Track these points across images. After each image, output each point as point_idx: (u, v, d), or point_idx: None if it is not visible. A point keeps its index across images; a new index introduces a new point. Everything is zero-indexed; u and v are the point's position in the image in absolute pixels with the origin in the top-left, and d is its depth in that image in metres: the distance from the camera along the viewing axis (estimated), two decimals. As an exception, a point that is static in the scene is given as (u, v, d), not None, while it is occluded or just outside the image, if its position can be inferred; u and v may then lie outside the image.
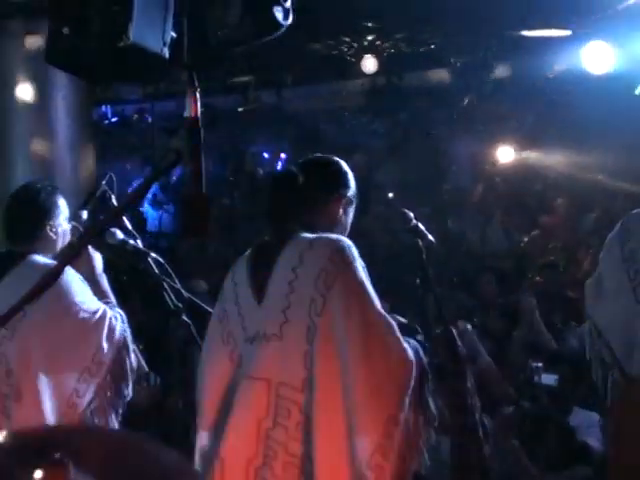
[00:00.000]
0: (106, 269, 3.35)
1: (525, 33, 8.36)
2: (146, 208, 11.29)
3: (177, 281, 3.34)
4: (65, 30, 2.92)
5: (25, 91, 7.40)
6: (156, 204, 11.40)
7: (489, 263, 8.53)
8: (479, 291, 7.28)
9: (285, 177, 2.89)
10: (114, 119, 12.93)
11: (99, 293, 3.24)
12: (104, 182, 3.56)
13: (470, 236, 9.85)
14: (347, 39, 9.01)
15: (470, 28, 8.16)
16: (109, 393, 3.12)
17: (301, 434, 2.42)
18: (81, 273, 3.17)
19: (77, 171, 7.58)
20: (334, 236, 2.56)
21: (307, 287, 2.45)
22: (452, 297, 6.66)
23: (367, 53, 9.37)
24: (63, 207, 3.30)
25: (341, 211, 2.74)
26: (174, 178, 11.57)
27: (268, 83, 10.94)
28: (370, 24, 8.39)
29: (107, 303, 3.23)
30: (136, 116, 12.49)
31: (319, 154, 2.90)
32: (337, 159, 2.88)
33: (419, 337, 2.57)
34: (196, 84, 1.86)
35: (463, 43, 9.14)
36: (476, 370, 4.97)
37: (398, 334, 2.42)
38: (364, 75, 9.88)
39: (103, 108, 12.71)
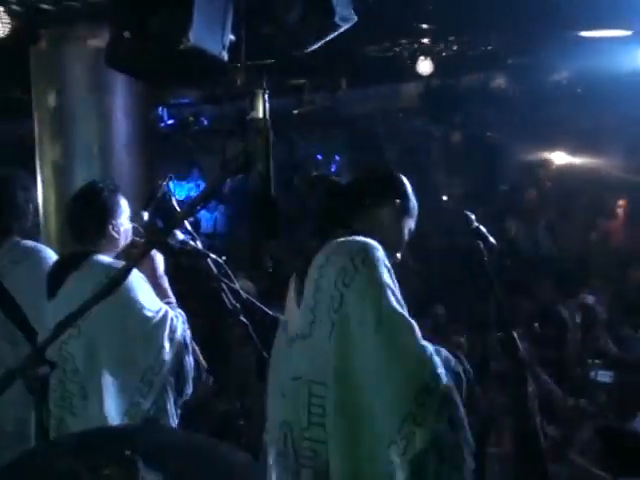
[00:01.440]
0: (166, 270, 3.37)
1: (584, 34, 8.24)
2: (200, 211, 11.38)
3: (235, 282, 3.35)
4: (126, 34, 2.96)
5: (85, 94, 7.51)
6: (211, 205, 11.49)
7: (546, 267, 8.43)
8: (537, 295, 7.19)
9: (330, 184, 2.89)
10: (170, 121, 13.06)
11: (160, 293, 3.27)
12: (164, 183, 3.60)
13: (525, 239, 9.75)
14: (403, 41, 8.98)
15: (527, 29, 8.06)
16: (171, 392, 3.15)
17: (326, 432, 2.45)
18: (143, 273, 3.21)
19: (135, 173, 7.67)
20: (361, 238, 2.55)
21: (328, 285, 2.46)
22: (509, 301, 6.59)
23: (422, 55, 9.33)
24: (125, 206, 3.34)
25: (391, 220, 2.71)
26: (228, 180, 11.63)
27: (323, 85, 10.95)
28: (426, 26, 8.34)
29: (168, 303, 3.25)
30: (192, 118, 12.59)
31: (373, 157, 2.91)
32: (393, 170, 2.86)
33: (465, 364, 2.53)
34: (264, 85, 1.87)
35: (520, 45, 9.03)
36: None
37: (417, 335, 2.39)
38: (419, 77, 9.83)
39: (159, 111, 12.85)
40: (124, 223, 3.32)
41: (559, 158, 10.39)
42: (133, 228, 3.40)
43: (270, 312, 3.39)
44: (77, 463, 1.36)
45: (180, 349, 3.18)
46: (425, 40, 8.92)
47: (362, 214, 2.69)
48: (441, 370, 2.35)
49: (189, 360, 3.22)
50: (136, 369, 3.09)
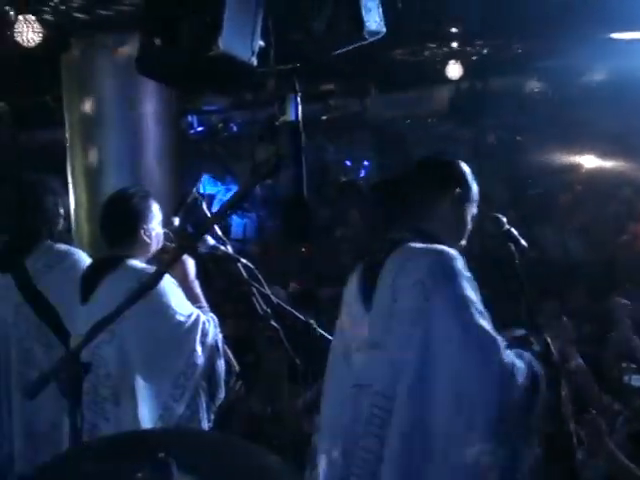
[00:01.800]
0: (198, 274, 3.39)
1: (615, 36, 8.18)
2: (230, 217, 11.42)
3: (266, 287, 3.36)
4: (156, 41, 2.98)
5: (115, 102, 7.58)
6: (240, 210, 11.53)
7: (576, 270, 8.36)
8: (568, 298, 7.13)
9: (387, 183, 2.89)
10: (200, 128, 13.13)
11: (192, 298, 3.28)
12: (195, 189, 3.62)
13: (555, 243, 9.68)
14: (432, 45, 8.96)
15: (558, 31, 8.01)
16: (203, 397, 3.16)
17: (380, 444, 2.43)
18: (175, 278, 3.23)
19: (164, 180, 7.72)
20: (438, 247, 2.49)
21: (406, 297, 2.41)
22: (539, 304, 6.54)
23: (452, 59, 9.30)
24: (156, 211, 3.36)
25: (454, 211, 2.67)
26: (258, 186, 11.68)
27: (352, 91, 10.95)
28: (455, 30, 8.32)
29: (200, 307, 3.27)
30: (221, 125, 12.65)
31: (402, 162, 2.88)
32: (450, 158, 2.83)
33: (535, 348, 2.51)
34: (297, 88, 1.88)
35: (550, 47, 8.98)
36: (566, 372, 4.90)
37: (500, 351, 2.35)
38: (449, 81, 9.80)
39: (189, 118, 12.93)
40: (156, 228, 3.34)
41: (589, 161, 10.31)
42: (164, 233, 3.42)
43: (301, 317, 3.39)
44: (110, 467, 1.37)
45: (212, 353, 3.19)
46: (454, 44, 8.90)
47: (423, 207, 2.65)
48: (522, 382, 2.33)
49: (221, 364, 3.23)
50: (168, 374, 3.10)
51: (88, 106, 7.60)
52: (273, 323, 3.29)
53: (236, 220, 11.48)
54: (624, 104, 9.58)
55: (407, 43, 8.79)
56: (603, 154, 10.18)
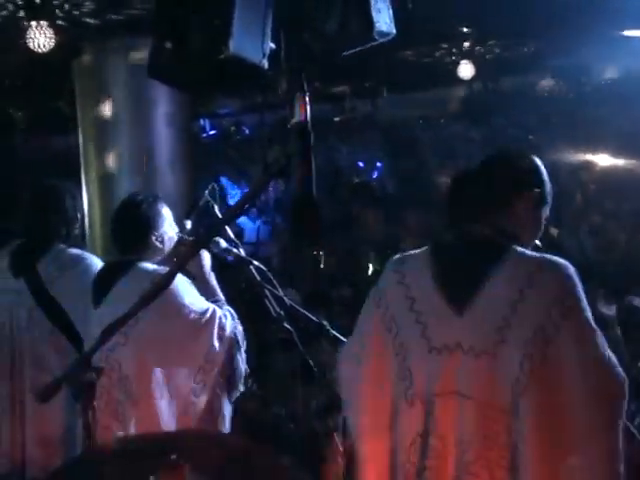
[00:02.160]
0: (213, 267, 3.39)
1: (627, 33, 8.14)
2: (243, 220, 11.43)
3: (279, 289, 3.36)
4: (167, 45, 2.99)
5: (128, 106, 7.61)
6: (253, 214, 11.54)
7: (591, 269, 8.33)
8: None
9: (467, 177, 2.79)
10: (212, 132, 13.15)
11: (208, 291, 3.29)
12: (207, 192, 3.62)
13: (568, 242, 9.64)
14: (443, 45, 8.95)
15: (569, 30, 7.99)
16: (223, 391, 3.17)
17: (508, 460, 2.27)
18: (191, 271, 3.23)
19: (177, 183, 7.74)
20: (562, 261, 2.40)
21: (537, 312, 2.29)
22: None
23: (463, 59, 9.28)
24: (167, 215, 3.36)
25: (529, 211, 2.56)
26: (271, 189, 11.69)
27: (363, 92, 10.95)
28: (466, 29, 8.31)
29: (216, 302, 3.27)
30: (233, 128, 12.67)
31: (506, 150, 2.75)
32: (526, 154, 2.71)
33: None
34: (305, 89, 1.87)
35: (562, 46, 8.95)
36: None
37: (616, 364, 2.32)
38: (460, 81, 9.78)
39: (201, 121, 12.96)
40: (167, 231, 3.35)
41: (603, 160, 10.26)
42: (177, 236, 3.42)
43: (314, 319, 3.38)
44: (123, 469, 1.38)
45: (231, 346, 3.20)
46: (466, 44, 8.88)
47: (502, 207, 2.52)
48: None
49: (241, 356, 3.22)
50: (187, 371, 3.11)
51: (101, 111, 7.63)
52: (286, 325, 3.28)
53: (249, 224, 11.49)
54: (637, 102, 9.54)
55: (418, 43, 8.79)
56: (616, 153, 10.13)
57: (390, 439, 2.46)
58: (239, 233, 10.61)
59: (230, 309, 3.28)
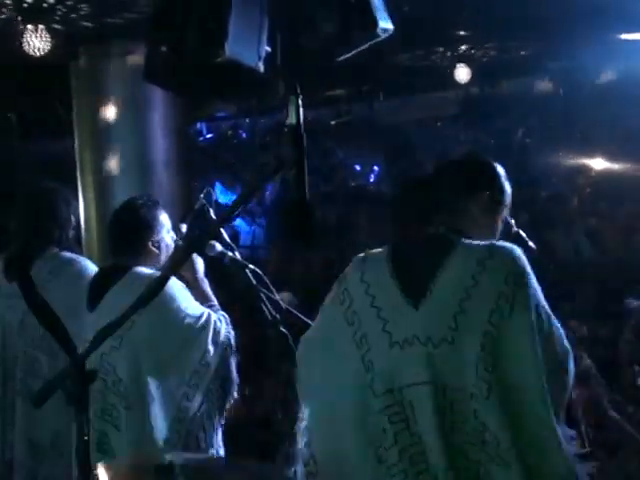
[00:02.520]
0: (206, 273, 3.38)
1: (625, 36, 8.15)
2: (238, 223, 11.44)
3: (275, 292, 3.35)
4: (163, 48, 2.99)
5: (124, 110, 7.61)
6: (249, 217, 11.55)
7: (588, 272, 8.34)
8: (580, 300, 7.11)
9: (418, 180, 2.85)
10: (209, 135, 13.17)
11: (202, 296, 3.28)
12: (202, 196, 3.61)
13: (565, 245, 9.66)
14: (440, 49, 8.96)
15: (567, 33, 8.00)
16: (217, 395, 3.16)
17: (480, 442, 2.36)
18: (184, 277, 3.22)
19: (173, 187, 7.75)
20: (509, 245, 2.50)
21: (491, 295, 2.39)
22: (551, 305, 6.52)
23: (460, 62, 9.29)
24: (165, 221, 3.35)
25: (483, 213, 2.63)
26: (267, 193, 11.71)
27: (360, 95, 10.97)
28: (463, 33, 8.32)
29: (211, 306, 3.26)
30: (230, 132, 12.68)
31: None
32: (483, 158, 2.80)
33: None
34: (298, 91, 1.87)
35: (559, 49, 8.97)
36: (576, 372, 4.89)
37: (567, 341, 2.42)
38: (457, 85, 9.79)
39: (198, 125, 12.97)
40: (165, 237, 3.33)
41: (600, 163, 10.28)
42: (175, 243, 3.41)
43: (310, 322, 3.37)
44: None
45: (225, 351, 3.19)
46: (463, 47, 8.90)
47: (454, 207, 2.60)
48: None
49: (234, 361, 3.23)
50: (182, 376, 3.10)
51: (97, 115, 7.64)
52: (282, 329, 3.27)
53: (245, 228, 11.50)
54: (635, 105, 9.56)
55: (415, 47, 8.80)
56: (614, 155, 10.15)
57: (354, 429, 2.50)
58: (235, 236, 10.62)
59: (224, 314, 3.27)
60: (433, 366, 2.40)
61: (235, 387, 3.24)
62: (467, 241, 2.50)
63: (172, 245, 3.38)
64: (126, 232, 3.31)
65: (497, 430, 2.33)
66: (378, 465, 2.44)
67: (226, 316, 3.26)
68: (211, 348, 3.14)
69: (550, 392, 2.35)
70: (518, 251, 2.47)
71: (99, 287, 3.27)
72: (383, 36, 2.66)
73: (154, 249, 3.29)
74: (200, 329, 3.14)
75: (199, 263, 3.33)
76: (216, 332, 3.16)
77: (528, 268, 2.45)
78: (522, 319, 2.37)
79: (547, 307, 2.44)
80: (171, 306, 3.10)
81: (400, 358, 2.45)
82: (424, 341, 2.42)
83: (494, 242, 2.51)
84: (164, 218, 3.36)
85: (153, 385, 3.06)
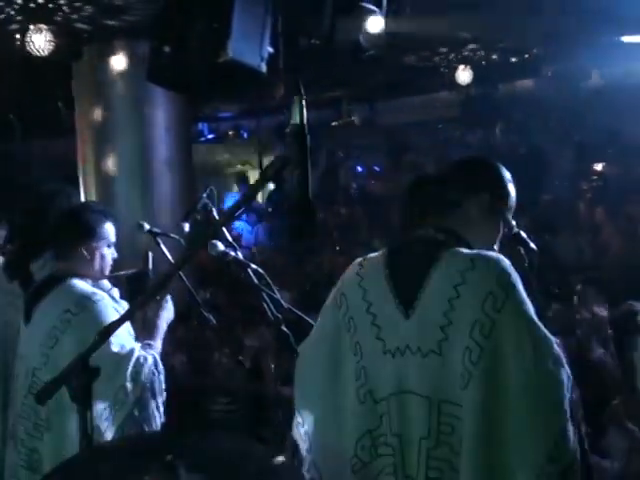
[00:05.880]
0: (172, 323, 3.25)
1: (626, 39, 8.17)
2: (241, 225, 11.44)
3: (277, 292, 3.35)
4: (166, 49, 3.00)
5: (126, 110, 7.63)
6: (252, 217, 11.56)
7: (590, 274, 8.34)
8: (584, 302, 7.09)
9: (417, 181, 2.82)
10: (210, 136, 13.18)
11: (147, 334, 3.12)
12: (205, 195, 3.61)
13: (567, 247, 9.66)
14: (442, 50, 8.97)
15: (568, 35, 8.01)
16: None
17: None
18: (147, 313, 3.10)
19: (175, 187, 7.76)
20: (494, 255, 2.42)
21: (472, 308, 2.33)
22: (553, 309, 6.53)
23: (462, 64, 9.30)
24: (108, 233, 3.21)
25: (482, 216, 2.57)
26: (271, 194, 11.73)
27: (361, 97, 10.97)
28: (464, 34, 8.33)
29: (148, 345, 3.08)
30: (232, 132, 12.69)
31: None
32: (487, 162, 2.72)
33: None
34: (302, 91, 1.89)
35: (561, 51, 8.98)
36: (589, 363, 4.91)
37: (558, 351, 2.35)
38: (459, 86, 9.80)
39: (200, 125, 12.99)
40: (101, 248, 3.17)
41: (601, 165, 10.29)
42: (174, 240, 3.38)
43: (312, 322, 3.38)
44: (117, 469, 1.38)
45: (143, 393, 3.00)
46: (464, 49, 8.91)
47: (450, 208, 2.55)
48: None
49: (153, 405, 3.03)
50: (96, 407, 2.80)
51: (99, 114, 7.65)
52: (284, 329, 3.27)
53: (248, 228, 11.50)
54: (636, 108, 9.57)
55: (417, 48, 8.81)
56: (615, 158, 10.15)
57: (341, 434, 2.50)
58: (237, 237, 10.63)
59: (156, 355, 3.07)
60: (422, 377, 2.38)
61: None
62: (455, 248, 2.46)
63: (109, 259, 3.22)
64: (62, 233, 3.20)
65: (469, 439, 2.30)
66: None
67: (157, 358, 3.06)
68: (129, 385, 2.96)
69: (544, 397, 2.31)
70: (503, 262, 2.41)
71: (32, 301, 3.17)
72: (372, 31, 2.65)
73: (86, 254, 3.14)
74: (119, 361, 2.95)
75: (169, 309, 3.20)
76: (137, 370, 2.98)
77: (513, 278, 2.39)
78: (507, 330, 2.32)
79: (535, 317, 2.35)
80: (97, 329, 2.93)
81: (392, 367, 2.43)
82: (415, 351, 2.40)
83: (480, 252, 2.44)
84: (108, 229, 3.21)
85: (71, 412, 2.72)
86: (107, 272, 3.24)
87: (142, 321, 3.10)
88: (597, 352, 5.07)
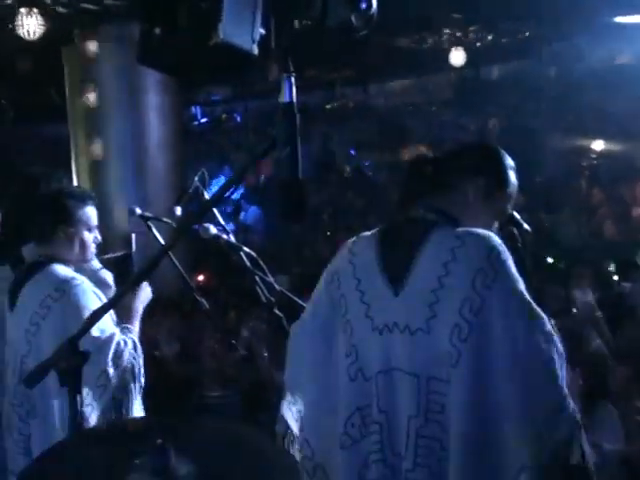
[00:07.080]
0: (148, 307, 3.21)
1: (619, 19, 8.14)
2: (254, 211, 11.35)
3: (269, 275, 3.33)
4: (156, 31, 2.98)
5: (118, 94, 7.60)
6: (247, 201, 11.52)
7: (584, 256, 8.36)
8: (579, 283, 7.11)
9: (416, 161, 2.80)
10: (203, 120, 13.13)
11: (126, 319, 3.08)
12: (197, 179, 3.59)
13: (563, 229, 9.67)
14: (435, 32, 8.93)
15: (562, 16, 7.98)
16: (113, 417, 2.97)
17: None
18: (124, 299, 3.04)
19: (168, 170, 7.75)
20: (484, 232, 2.43)
21: (462, 285, 2.32)
22: (547, 290, 6.53)
23: (455, 46, 9.26)
24: (88, 217, 3.14)
25: (477, 200, 2.59)
26: (262, 178, 11.69)
27: (354, 80, 10.94)
28: (458, 16, 8.30)
29: (126, 328, 3.04)
30: (225, 116, 12.64)
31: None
32: (489, 145, 2.72)
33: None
34: (291, 69, 1.86)
35: (555, 32, 8.95)
36: (587, 353, 4.91)
37: (550, 329, 2.35)
38: (452, 68, 9.76)
39: (193, 109, 12.94)
40: (81, 232, 3.11)
41: (596, 145, 10.27)
42: (167, 224, 3.36)
43: (304, 304, 3.37)
44: (107, 453, 1.37)
45: (125, 376, 2.98)
46: (457, 31, 8.88)
47: (447, 191, 2.53)
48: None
49: (134, 389, 3.00)
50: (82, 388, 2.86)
51: (91, 98, 7.62)
52: (276, 311, 3.26)
53: (253, 208, 11.33)
54: (630, 87, 9.55)
55: (410, 30, 8.78)
56: (610, 137, 10.14)
57: (333, 412, 2.51)
58: (237, 209, 10.51)
59: (134, 339, 3.04)
60: (410, 354, 2.38)
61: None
62: (445, 226, 2.46)
63: (90, 243, 3.19)
64: (41, 216, 3.16)
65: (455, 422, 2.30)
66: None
67: (136, 341, 3.02)
68: (110, 370, 2.93)
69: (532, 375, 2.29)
70: (493, 239, 2.39)
71: (16, 286, 3.14)
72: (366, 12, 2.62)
73: (64, 238, 3.09)
74: (101, 345, 2.91)
75: (146, 292, 3.14)
76: (117, 355, 2.95)
77: (503, 255, 2.36)
78: (497, 306, 2.30)
79: (526, 294, 2.36)
80: (79, 314, 2.86)
81: (380, 344, 2.43)
82: (402, 329, 2.41)
83: (469, 229, 2.43)
84: (89, 213, 3.15)
85: (55, 399, 2.84)
86: (89, 256, 3.20)
87: (120, 304, 3.07)
88: (595, 343, 5.06)
